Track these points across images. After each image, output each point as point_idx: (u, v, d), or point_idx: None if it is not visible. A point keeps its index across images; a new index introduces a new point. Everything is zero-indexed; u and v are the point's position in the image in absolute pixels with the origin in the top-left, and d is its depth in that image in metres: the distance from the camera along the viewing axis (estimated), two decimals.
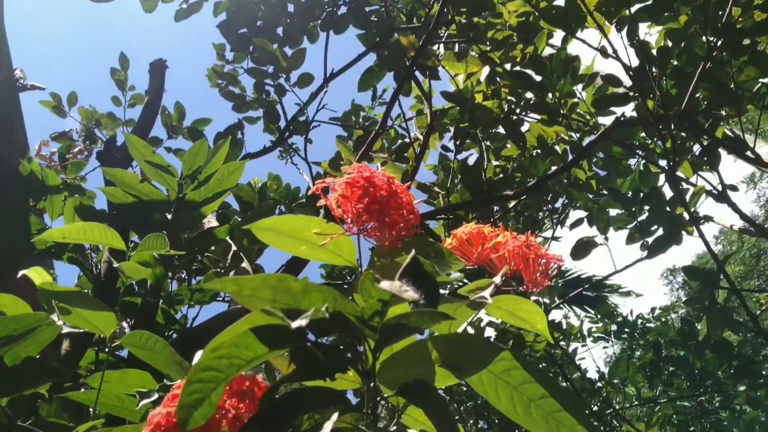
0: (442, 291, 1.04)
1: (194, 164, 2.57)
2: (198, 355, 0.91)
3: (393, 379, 0.95)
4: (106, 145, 3.27)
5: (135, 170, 3.50)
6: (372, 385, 0.95)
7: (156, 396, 1.43)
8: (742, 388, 4.43)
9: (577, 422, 1.03)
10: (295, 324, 0.77)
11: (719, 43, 3.02)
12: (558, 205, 4.10)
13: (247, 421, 0.90)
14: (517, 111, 3.24)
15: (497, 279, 1.02)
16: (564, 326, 6.42)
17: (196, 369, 0.85)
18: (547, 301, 5.05)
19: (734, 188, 3.28)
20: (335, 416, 0.87)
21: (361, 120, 4.26)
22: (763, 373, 4.12)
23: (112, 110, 4.06)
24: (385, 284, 0.86)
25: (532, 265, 1.10)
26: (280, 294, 0.86)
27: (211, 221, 3.18)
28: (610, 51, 3.20)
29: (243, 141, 3.78)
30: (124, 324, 2.92)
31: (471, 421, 6.39)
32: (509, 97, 3.35)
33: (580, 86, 3.37)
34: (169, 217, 2.62)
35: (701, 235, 2.78)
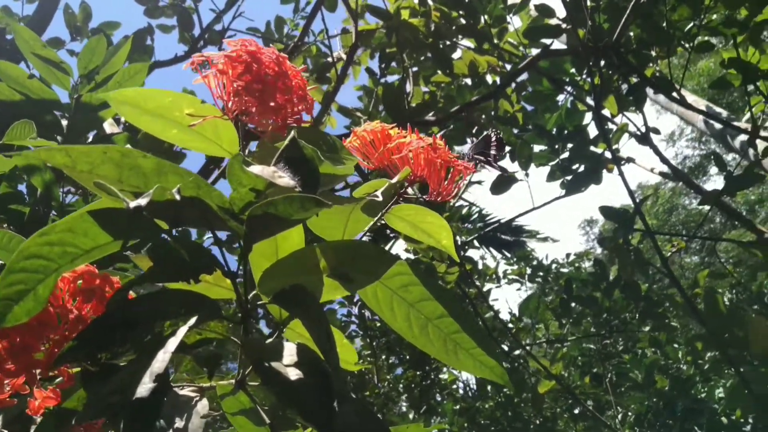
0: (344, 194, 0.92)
1: (91, 63, 2.36)
2: None
3: (276, 288, 0.84)
4: None
5: (33, 72, 3.20)
6: (245, 291, 0.83)
7: None
8: (647, 329, 4.57)
9: (475, 344, 0.94)
10: (133, 204, 0.62)
11: None
12: None
13: (89, 323, 0.76)
14: (448, 35, 3.10)
15: (395, 180, 0.90)
16: (480, 267, 6.48)
17: (18, 256, 0.70)
18: (464, 239, 5.04)
19: (656, 131, 3.27)
20: (193, 320, 0.74)
21: (285, 38, 4.02)
22: (667, 314, 4.25)
23: (8, 4, 3.70)
24: (256, 168, 0.72)
25: (439, 172, 0.97)
26: (128, 173, 0.71)
27: (114, 127, 2.95)
28: None
29: (152, 48, 3.50)
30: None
31: (383, 357, 6.44)
32: (441, 21, 3.20)
33: (512, 16, 3.25)
34: (65, 120, 2.41)
35: (621, 174, 2.76)
